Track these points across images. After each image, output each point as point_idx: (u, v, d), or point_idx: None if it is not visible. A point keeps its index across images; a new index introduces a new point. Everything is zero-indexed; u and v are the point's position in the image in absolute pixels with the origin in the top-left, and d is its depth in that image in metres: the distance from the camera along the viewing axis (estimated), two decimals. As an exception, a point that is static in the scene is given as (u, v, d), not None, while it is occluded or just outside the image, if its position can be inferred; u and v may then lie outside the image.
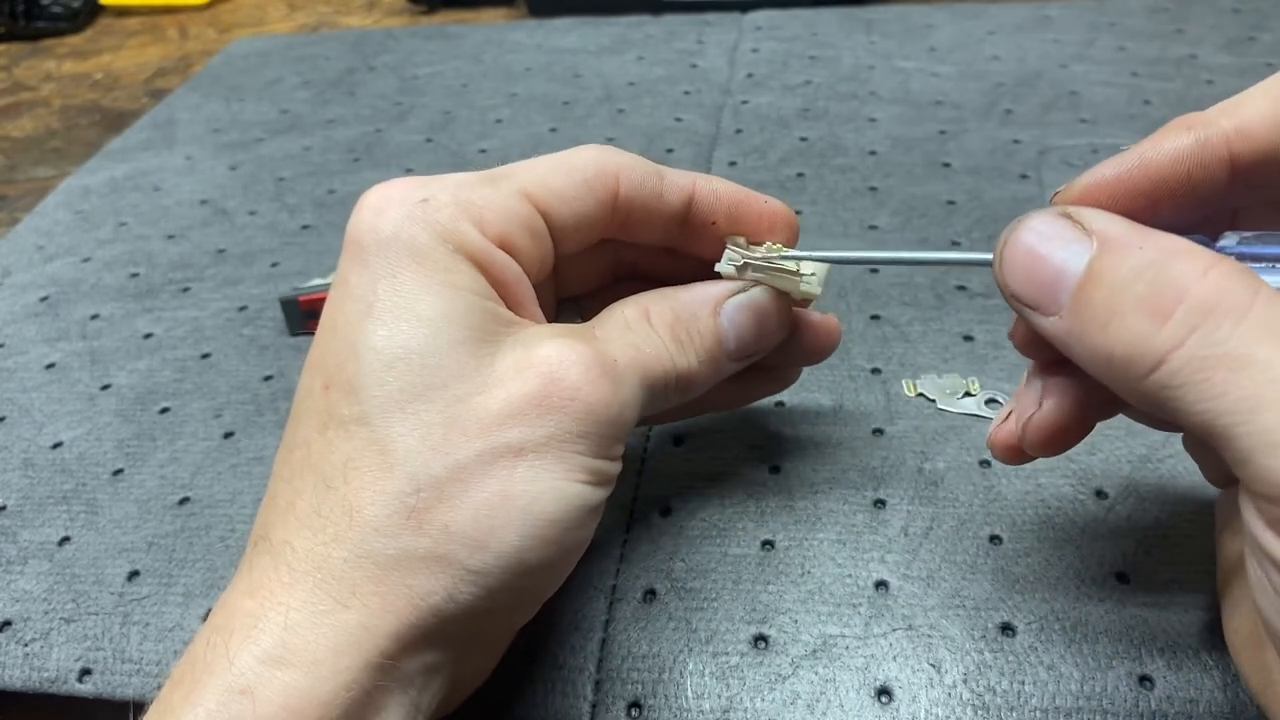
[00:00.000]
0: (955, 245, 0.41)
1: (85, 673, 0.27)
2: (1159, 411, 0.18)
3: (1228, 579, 0.23)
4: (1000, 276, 0.21)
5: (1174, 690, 0.24)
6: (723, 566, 0.28)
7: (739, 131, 0.52)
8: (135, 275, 0.45)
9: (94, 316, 0.43)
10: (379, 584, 0.20)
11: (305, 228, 0.48)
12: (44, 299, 0.44)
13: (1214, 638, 0.25)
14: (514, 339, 0.22)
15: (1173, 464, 0.30)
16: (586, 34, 0.67)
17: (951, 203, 0.44)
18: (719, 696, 0.25)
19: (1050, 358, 0.22)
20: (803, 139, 0.51)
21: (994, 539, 0.28)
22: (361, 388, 0.21)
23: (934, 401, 0.33)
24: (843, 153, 0.49)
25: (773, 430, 0.33)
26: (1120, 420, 0.23)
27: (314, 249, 0.46)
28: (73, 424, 0.37)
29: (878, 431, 0.32)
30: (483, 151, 0.53)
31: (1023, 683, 0.24)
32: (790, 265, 0.25)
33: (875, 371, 0.35)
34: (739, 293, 0.26)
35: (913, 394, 0.34)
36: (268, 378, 0.38)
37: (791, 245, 0.26)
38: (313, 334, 0.23)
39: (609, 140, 0.51)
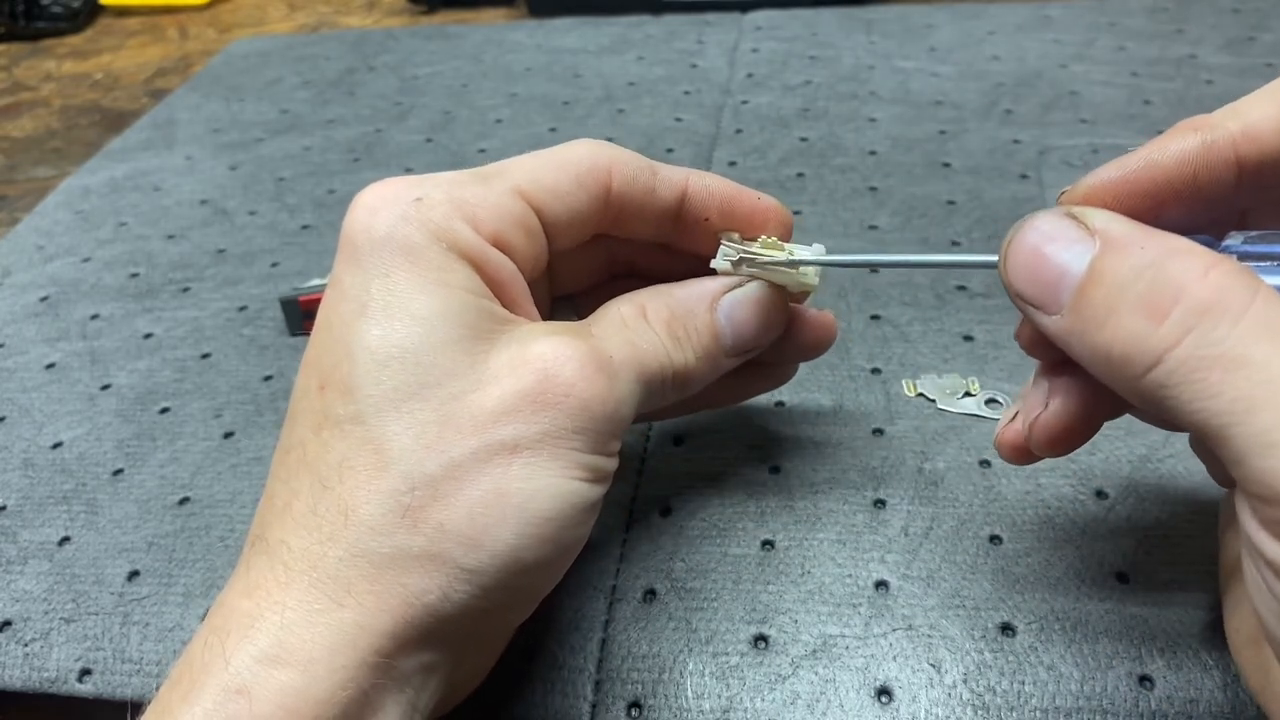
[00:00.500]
0: (955, 245, 0.41)
1: (85, 673, 0.27)
2: (1157, 410, 0.18)
3: (1230, 578, 0.23)
4: (1005, 275, 0.21)
5: (1174, 690, 0.24)
6: (723, 566, 0.28)
7: (739, 131, 0.52)
8: (135, 275, 0.45)
9: (94, 316, 0.43)
10: (374, 583, 0.20)
11: (305, 228, 0.48)
12: (44, 299, 0.44)
13: (1214, 638, 0.25)
14: (509, 336, 0.22)
15: (1173, 464, 0.30)
16: (586, 34, 0.67)
17: (951, 203, 0.44)
18: (719, 696, 0.25)
19: (1056, 358, 0.22)
20: (803, 139, 0.51)
21: (994, 539, 0.28)
22: (356, 387, 0.21)
23: (934, 401, 0.33)
24: (843, 153, 0.49)
25: (773, 430, 0.33)
26: (1120, 420, 0.23)
27: (314, 249, 0.46)
28: (73, 424, 0.37)
29: (878, 431, 0.32)
30: (482, 151, 0.53)
31: (1023, 683, 0.24)
32: (786, 258, 0.25)
33: (875, 371, 0.35)
34: (735, 288, 0.26)
35: (913, 394, 0.34)
36: (268, 378, 0.38)
37: (785, 240, 0.26)
38: (312, 334, 0.23)
39: (609, 140, 0.50)
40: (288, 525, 0.20)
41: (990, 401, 0.33)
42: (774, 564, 0.28)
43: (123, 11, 0.85)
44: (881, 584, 0.27)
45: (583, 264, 0.27)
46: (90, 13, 0.84)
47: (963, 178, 0.46)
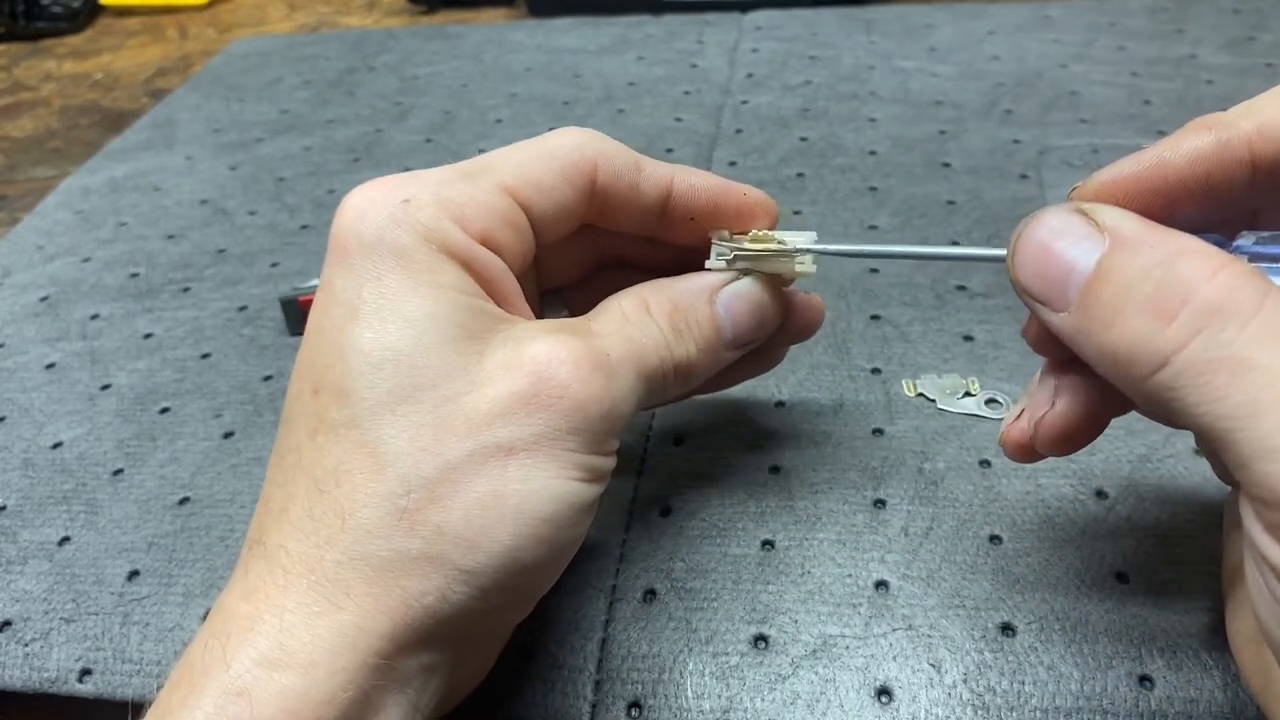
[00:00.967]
0: (955, 245, 0.41)
1: (85, 673, 0.27)
2: (1163, 411, 0.18)
3: (1233, 578, 0.23)
4: (1013, 271, 0.20)
5: (1174, 690, 0.24)
6: (723, 566, 0.28)
7: (739, 131, 0.52)
8: (135, 275, 0.45)
9: (94, 316, 0.43)
10: (372, 585, 0.20)
11: (305, 228, 0.48)
12: (44, 299, 0.44)
13: (1214, 638, 0.25)
14: (504, 336, 0.22)
15: (1173, 464, 0.30)
16: (586, 34, 0.67)
17: (951, 203, 0.44)
18: (719, 696, 0.25)
19: (1062, 356, 0.22)
20: (803, 139, 0.51)
21: (994, 539, 0.28)
22: (350, 391, 0.21)
23: (934, 401, 0.33)
24: (843, 153, 0.49)
25: (773, 430, 0.33)
26: (1120, 420, 0.23)
27: (314, 249, 0.46)
28: (73, 424, 0.37)
29: (878, 431, 0.32)
30: (482, 151, 0.53)
31: (1023, 683, 0.24)
32: (781, 249, 0.25)
33: (875, 371, 0.35)
34: (733, 281, 0.26)
35: (913, 394, 0.34)
36: (268, 378, 0.38)
37: (772, 229, 0.26)
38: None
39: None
40: (285, 529, 0.20)
41: (990, 401, 0.33)
42: (774, 564, 0.28)
43: (123, 11, 0.85)
44: (881, 584, 0.27)
45: (570, 256, 0.27)
46: (90, 13, 0.84)
47: (963, 178, 0.46)
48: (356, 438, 0.20)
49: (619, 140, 0.25)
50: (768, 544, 0.29)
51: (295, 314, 0.40)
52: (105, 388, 0.38)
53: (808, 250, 0.25)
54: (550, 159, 0.24)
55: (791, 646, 0.26)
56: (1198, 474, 0.29)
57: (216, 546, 0.31)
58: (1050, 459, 0.30)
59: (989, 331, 0.36)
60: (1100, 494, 0.29)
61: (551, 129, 0.25)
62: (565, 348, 0.22)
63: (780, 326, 0.28)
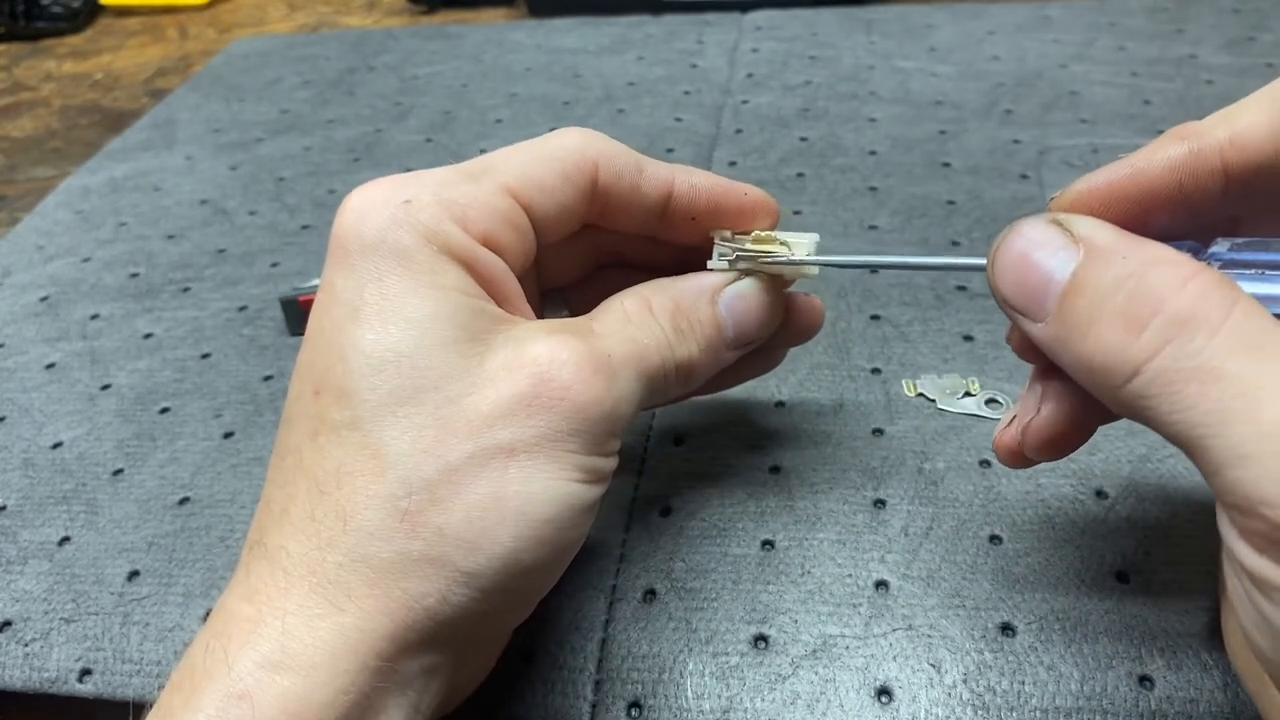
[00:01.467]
0: (955, 245, 0.41)
1: (85, 673, 0.27)
2: (1138, 419, 0.18)
3: (1227, 580, 0.23)
4: (992, 281, 0.21)
5: (1174, 690, 0.24)
6: (723, 566, 0.28)
7: (739, 131, 0.52)
8: (135, 275, 0.45)
9: (94, 316, 0.43)
10: (374, 587, 0.20)
11: (305, 228, 0.48)
12: (44, 299, 0.44)
13: (1214, 638, 0.25)
14: (505, 336, 0.22)
15: (1173, 464, 0.30)
16: (586, 34, 0.67)
17: (951, 203, 0.44)
18: (719, 696, 0.25)
19: (1047, 363, 0.22)
20: (803, 139, 0.51)
21: (994, 539, 0.28)
22: (351, 392, 0.21)
23: (934, 401, 0.33)
24: (843, 153, 0.49)
25: (773, 430, 0.33)
26: (1120, 420, 0.23)
27: (314, 249, 0.46)
28: (73, 424, 0.37)
29: (878, 431, 0.32)
30: (482, 151, 0.53)
31: (1023, 683, 0.24)
32: (782, 251, 0.25)
33: (875, 371, 0.35)
34: (734, 281, 0.26)
35: (913, 394, 0.34)
36: (268, 378, 0.38)
37: (773, 229, 0.26)
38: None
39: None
40: (286, 530, 0.20)
41: (990, 401, 0.33)
42: (774, 564, 0.28)
43: (123, 11, 0.85)
44: (881, 584, 0.27)
45: (571, 256, 0.27)
46: (90, 13, 0.84)
47: (963, 178, 0.46)
48: (358, 439, 0.20)
49: (619, 140, 0.25)
50: (768, 544, 0.29)
51: (295, 314, 0.40)
52: (105, 388, 0.38)
53: (801, 262, 0.25)
54: (552, 159, 0.24)
55: (791, 646, 0.26)
56: (1198, 474, 0.29)
57: (216, 546, 0.31)
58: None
59: (989, 331, 0.36)
60: (1100, 494, 0.29)
61: (552, 129, 0.25)
62: (566, 349, 0.22)
63: (781, 327, 0.28)
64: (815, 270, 0.25)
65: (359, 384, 0.21)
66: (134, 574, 0.30)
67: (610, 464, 0.23)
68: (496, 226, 0.23)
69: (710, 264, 0.26)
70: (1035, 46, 0.58)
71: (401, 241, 0.21)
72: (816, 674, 0.25)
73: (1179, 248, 0.19)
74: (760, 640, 0.26)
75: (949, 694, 0.24)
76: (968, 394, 0.33)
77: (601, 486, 0.23)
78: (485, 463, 0.20)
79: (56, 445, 0.36)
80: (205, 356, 0.40)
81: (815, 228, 0.43)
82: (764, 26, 0.65)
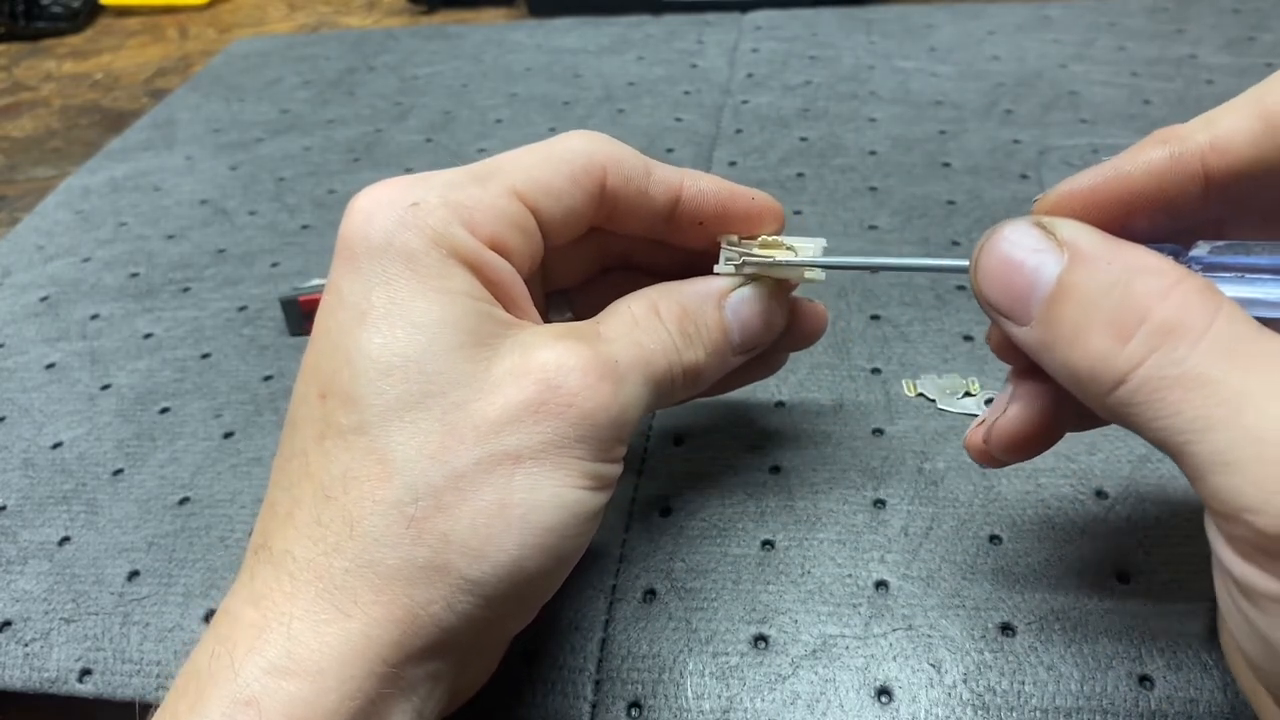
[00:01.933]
0: (955, 245, 0.41)
1: (85, 673, 0.27)
2: (1123, 425, 0.19)
3: (1216, 586, 0.23)
4: (975, 284, 0.21)
5: (1174, 690, 0.24)
6: (723, 566, 0.28)
7: (739, 131, 0.52)
8: (135, 275, 0.45)
9: (94, 316, 0.43)
10: (380, 593, 0.20)
11: (305, 228, 0.48)
12: (44, 299, 0.44)
13: (1214, 638, 0.24)
14: (513, 341, 0.22)
15: (1173, 464, 0.29)
16: (586, 34, 0.67)
17: (951, 203, 0.44)
18: (719, 696, 0.25)
19: (1024, 364, 0.23)
20: (803, 139, 0.51)
21: (994, 539, 0.28)
22: (358, 397, 0.21)
23: (934, 401, 0.33)
24: (843, 153, 0.49)
25: (773, 430, 0.33)
26: (1104, 426, 0.23)
27: (314, 249, 0.46)
28: (73, 424, 0.37)
29: (878, 431, 0.32)
30: (482, 151, 0.53)
31: (1023, 683, 0.24)
32: (788, 257, 0.25)
33: (875, 371, 0.35)
34: (741, 286, 0.26)
35: (913, 394, 0.34)
36: (268, 378, 0.38)
37: (779, 234, 0.26)
38: (312, 335, 0.23)
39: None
40: (291, 535, 0.20)
41: (990, 401, 0.33)
42: (774, 564, 0.28)
43: (123, 11, 0.85)
44: (881, 584, 0.27)
45: (576, 258, 0.27)
46: (90, 13, 0.84)
47: (963, 178, 0.46)
48: (364, 444, 0.20)
49: (619, 140, 0.25)
50: (768, 544, 0.29)
51: (295, 314, 0.40)
52: (105, 388, 0.38)
53: (811, 263, 0.25)
54: (560, 163, 0.24)
55: (791, 646, 0.26)
56: (1198, 474, 0.29)
57: (216, 547, 0.31)
58: (1050, 459, 0.30)
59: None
60: (1100, 494, 0.29)
61: (552, 129, 0.25)
62: (573, 355, 0.22)
63: (785, 333, 0.28)
64: (822, 276, 0.25)
65: (366, 389, 0.21)
66: (134, 574, 0.30)
67: (616, 470, 0.23)
68: (504, 230, 0.22)
69: (717, 268, 0.26)
70: (1035, 46, 0.58)
71: (409, 244, 0.21)
72: (816, 674, 0.25)
73: (1160, 250, 0.19)
74: (760, 640, 0.26)
75: (949, 694, 0.24)
76: (968, 394, 0.33)
77: (607, 493, 0.23)
78: (492, 469, 0.20)
79: (56, 445, 0.36)
80: (205, 356, 0.40)
81: (815, 228, 0.43)
82: (764, 26, 0.65)
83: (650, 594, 0.28)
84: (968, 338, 0.36)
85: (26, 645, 0.28)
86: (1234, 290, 0.19)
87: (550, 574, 0.22)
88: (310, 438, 0.21)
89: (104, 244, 0.48)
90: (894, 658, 0.25)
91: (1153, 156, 0.20)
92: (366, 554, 0.20)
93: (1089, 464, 0.30)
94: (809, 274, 0.25)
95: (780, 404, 0.34)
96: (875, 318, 0.38)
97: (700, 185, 0.25)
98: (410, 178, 0.23)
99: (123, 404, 0.37)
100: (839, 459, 0.31)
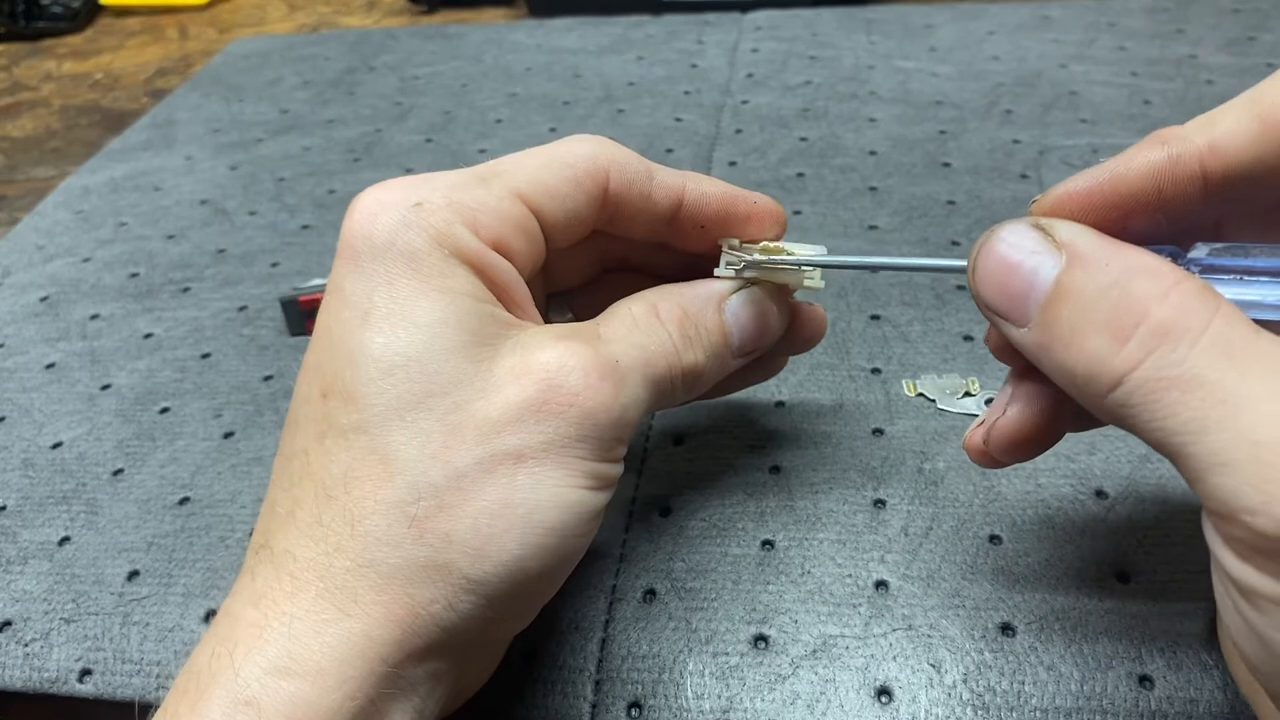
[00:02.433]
0: (955, 245, 0.41)
1: (85, 673, 0.27)
2: (1121, 426, 0.19)
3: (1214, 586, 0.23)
4: (973, 285, 0.21)
5: (1174, 690, 0.24)
6: (723, 566, 0.28)
7: (739, 131, 0.52)
8: (135, 275, 0.45)
9: (94, 316, 0.43)
10: (381, 593, 0.20)
11: (305, 228, 0.48)
12: (44, 299, 0.44)
13: (1214, 638, 0.25)
14: (514, 342, 0.22)
15: (1172, 464, 0.30)
16: (586, 34, 0.67)
17: (951, 203, 0.44)
18: (719, 696, 0.25)
19: (1023, 364, 0.23)
20: (803, 139, 0.51)
21: (994, 539, 0.28)
22: (360, 396, 0.21)
23: (934, 401, 0.33)
24: (843, 153, 0.49)
25: (773, 430, 0.33)
26: (1102, 428, 0.23)
27: (314, 249, 0.46)
28: (73, 424, 0.37)
29: (878, 431, 0.32)
30: (482, 151, 0.53)
31: (1023, 683, 0.24)
32: (789, 261, 0.25)
33: (875, 371, 0.35)
34: (741, 289, 0.26)
35: (913, 394, 0.34)
36: (268, 378, 0.38)
37: (780, 239, 0.26)
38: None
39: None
40: (292, 534, 0.20)
41: (990, 401, 0.33)
42: (774, 564, 0.28)
43: (123, 11, 0.85)
44: (881, 584, 0.27)
45: (577, 260, 0.27)
46: (90, 13, 0.84)
47: (963, 178, 0.46)
48: (366, 444, 0.20)
49: (619, 140, 0.25)
50: (768, 544, 0.29)
51: (295, 314, 0.40)
52: (105, 388, 0.38)
53: (811, 261, 0.25)
54: (564, 166, 0.24)
55: (791, 646, 0.26)
56: (1198, 474, 0.29)
57: (217, 547, 0.31)
58: (1050, 459, 0.30)
59: (989, 331, 0.36)
60: (1100, 494, 0.29)
61: (551, 129, 0.25)
62: (575, 355, 0.22)
63: (784, 336, 0.28)
64: (821, 284, 0.26)
65: (367, 388, 0.21)
66: (134, 574, 0.30)
67: (617, 470, 0.23)
68: (507, 231, 0.23)
69: (717, 271, 0.26)
70: (1035, 46, 0.58)
71: (412, 244, 0.21)
72: (816, 674, 0.25)
73: (1159, 252, 0.19)
74: (760, 640, 0.26)
75: (949, 694, 0.24)
76: (968, 394, 0.33)
77: (608, 493, 0.23)
78: (493, 469, 0.20)
79: (56, 445, 0.36)
80: (205, 356, 0.40)
81: (815, 227, 0.43)
82: (764, 26, 0.65)
83: (650, 594, 0.28)
84: (968, 338, 0.36)
85: (26, 645, 0.28)
86: (1232, 292, 0.19)
87: (552, 573, 0.22)
88: (311, 437, 0.21)
89: (104, 244, 0.48)
90: (894, 658, 0.25)
91: (1151, 158, 0.20)
92: (367, 553, 0.20)
93: (1089, 464, 0.30)
94: (808, 282, 0.26)
95: (780, 404, 0.34)
96: (875, 318, 0.38)
97: (702, 189, 0.25)
98: (413, 178, 0.23)
99: (123, 404, 0.37)
100: (839, 459, 0.31)
